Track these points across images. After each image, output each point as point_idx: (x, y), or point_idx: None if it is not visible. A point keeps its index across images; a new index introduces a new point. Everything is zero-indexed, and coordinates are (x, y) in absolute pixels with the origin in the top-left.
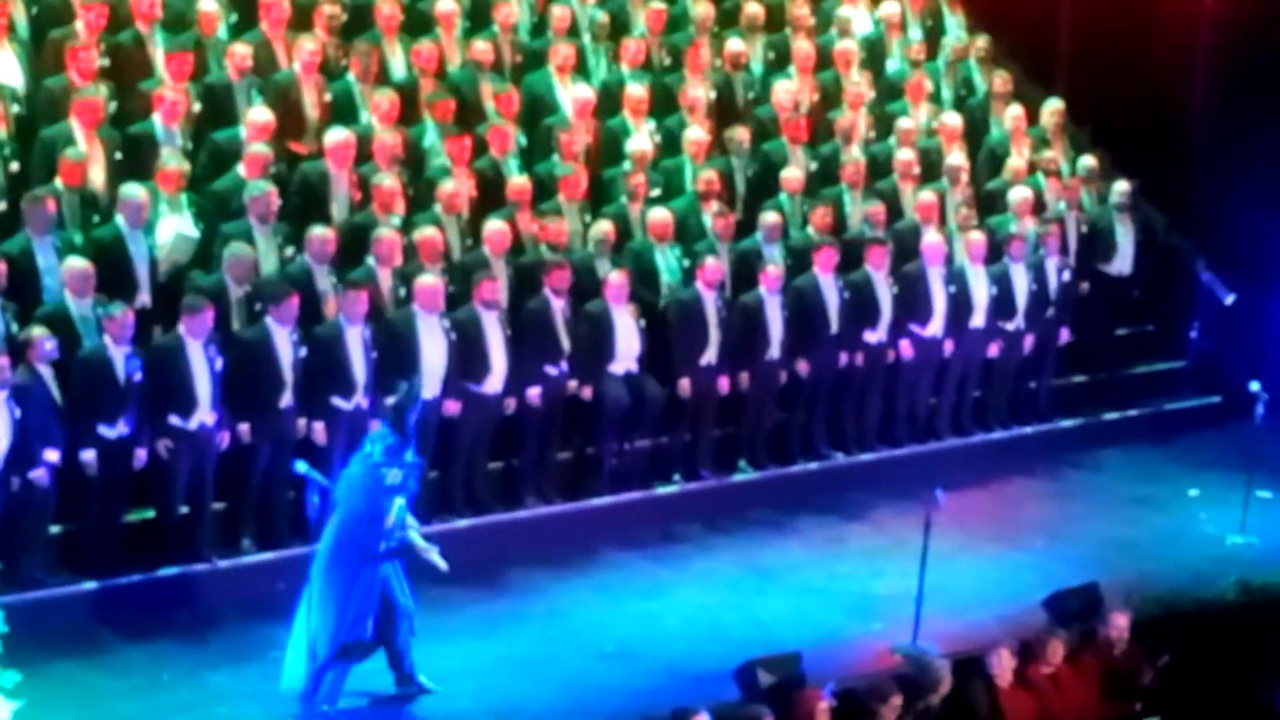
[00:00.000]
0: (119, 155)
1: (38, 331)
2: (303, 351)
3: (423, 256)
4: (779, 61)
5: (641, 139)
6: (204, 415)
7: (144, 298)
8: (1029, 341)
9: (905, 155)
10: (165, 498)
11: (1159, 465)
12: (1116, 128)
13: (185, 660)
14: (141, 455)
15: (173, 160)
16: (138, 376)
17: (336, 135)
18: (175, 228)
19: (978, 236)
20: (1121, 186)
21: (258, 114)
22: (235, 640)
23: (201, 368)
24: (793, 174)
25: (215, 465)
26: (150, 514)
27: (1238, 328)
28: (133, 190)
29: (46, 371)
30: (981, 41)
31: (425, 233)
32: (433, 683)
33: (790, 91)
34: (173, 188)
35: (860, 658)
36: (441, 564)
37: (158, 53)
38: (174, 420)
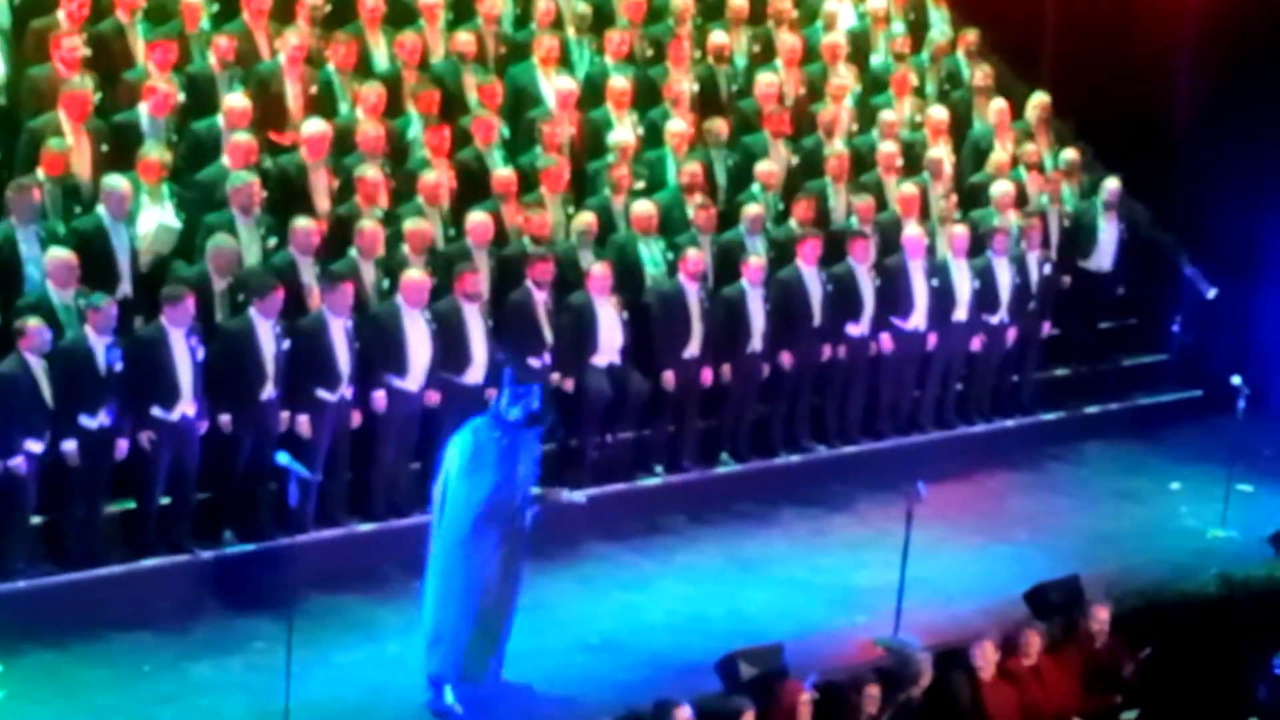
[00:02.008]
0: (105, 147)
1: (33, 322)
2: (285, 344)
3: (410, 248)
4: (763, 54)
5: (624, 131)
6: (186, 406)
7: (125, 288)
8: (1011, 335)
9: (888, 148)
10: (147, 488)
11: (1141, 459)
12: (1100, 122)
13: (167, 651)
14: (123, 446)
15: (154, 151)
16: (118, 366)
17: (313, 127)
18: (157, 218)
19: (960, 230)
20: (1111, 184)
21: (234, 100)
22: (217, 631)
23: (184, 358)
24: (768, 168)
25: (198, 456)
26: (132, 505)
27: (1220, 322)
28: (115, 181)
29: (36, 362)
30: (971, 35)
31: (414, 224)
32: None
33: (773, 84)
34: (154, 178)
35: (842, 650)
36: (580, 499)
37: (139, 43)
38: (156, 411)
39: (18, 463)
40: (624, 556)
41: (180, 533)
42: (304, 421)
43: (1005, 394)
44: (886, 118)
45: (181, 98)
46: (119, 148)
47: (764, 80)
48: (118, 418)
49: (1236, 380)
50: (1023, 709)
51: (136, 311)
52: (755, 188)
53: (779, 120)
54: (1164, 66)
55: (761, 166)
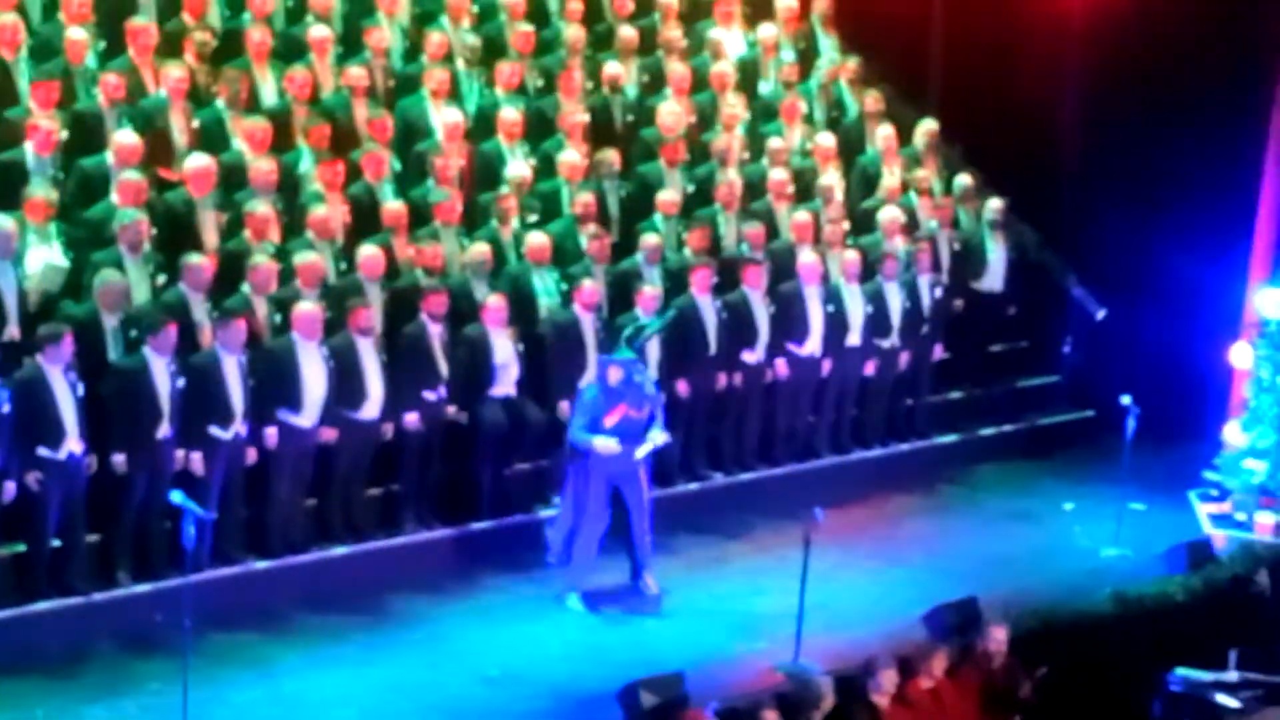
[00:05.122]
0: None
1: None
2: (181, 382)
3: (302, 282)
4: (653, 84)
5: (520, 164)
6: (72, 444)
7: (13, 330)
8: (904, 359)
9: (778, 175)
10: (37, 530)
11: (1034, 480)
12: (988, 147)
13: (59, 695)
14: (10, 488)
15: (40, 190)
16: (6, 409)
17: (197, 162)
18: (44, 258)
19: (852, 255)
20: (994, 204)
21: (124, 137)
22: (110, 674)
23: (66, 396)
24: (669, 196)
25: (85, 494)
26: (21, 548)
27: (1109, 342)
28: (0, 221)
29: None
30: (852, 63)
31: (305, 258)
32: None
33: (675, 114)
34: (41, 217)
35: (743, 676)
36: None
37: (22, 80)
38: (43, 452)
39: None
40: (522, 588)
41: (72, 574)
42: (197, 459)
43: (899, 418)
44: (775, 145)
45: (65, 135)
46: (3, 187)
47: (666, 110)
48: (4, 460)
49: (1127, 400)
50: None
51: (25, 353)
52: (657, 217)
53: (674, 149)
54: (1049, 92)
55: (663, 196)
